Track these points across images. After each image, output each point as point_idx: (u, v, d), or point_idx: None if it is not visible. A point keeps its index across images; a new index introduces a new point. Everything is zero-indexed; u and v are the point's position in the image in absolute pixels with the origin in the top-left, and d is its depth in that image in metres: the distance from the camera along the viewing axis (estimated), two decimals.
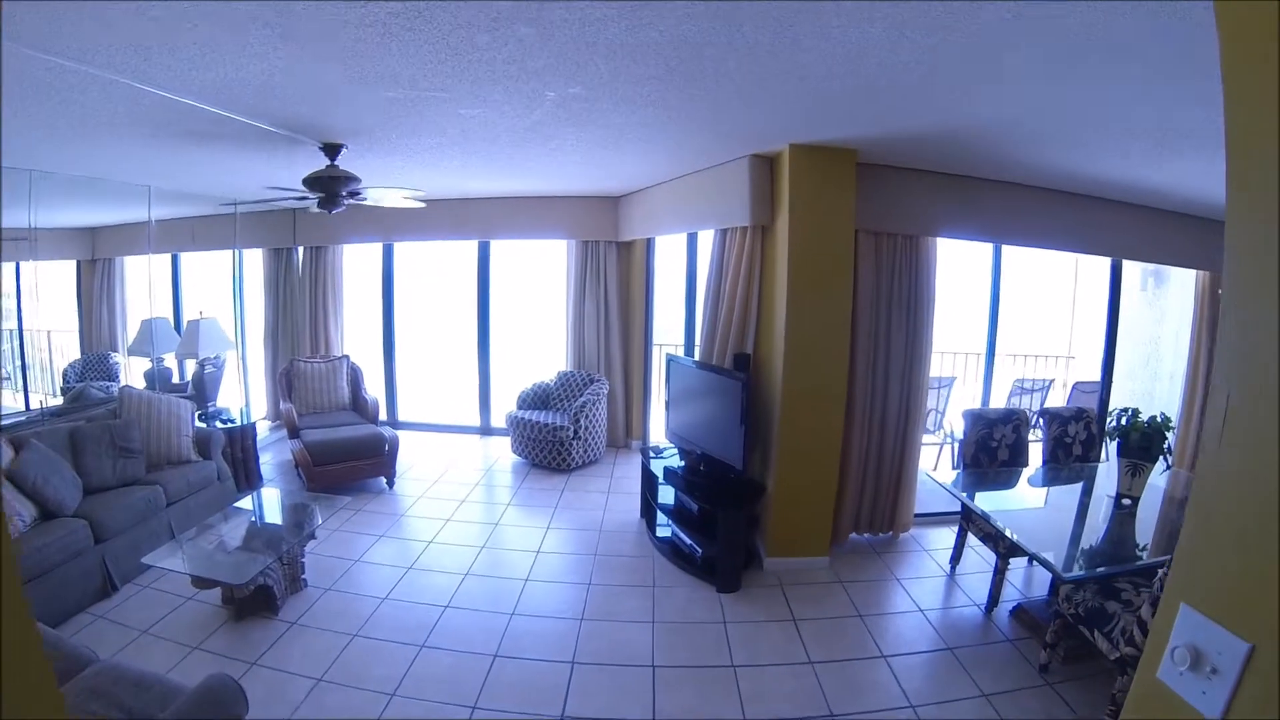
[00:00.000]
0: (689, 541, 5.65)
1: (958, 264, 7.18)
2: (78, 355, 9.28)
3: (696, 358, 6.50)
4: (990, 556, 5.14)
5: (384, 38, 2.72)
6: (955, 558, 5.58)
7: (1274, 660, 1.05)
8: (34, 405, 7.62)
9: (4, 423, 6.82)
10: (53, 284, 9.83)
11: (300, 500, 6.26)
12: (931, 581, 5.41)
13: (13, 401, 8.78)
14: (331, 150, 4.83)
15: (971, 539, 5.44)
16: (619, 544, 6.07)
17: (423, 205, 5.97)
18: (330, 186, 4.88)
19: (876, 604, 5.06)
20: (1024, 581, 5.37)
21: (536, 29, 2.62)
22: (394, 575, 5.50)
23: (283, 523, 5.73)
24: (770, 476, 5.46)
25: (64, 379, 9.03)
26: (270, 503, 6.27)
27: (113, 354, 9.06)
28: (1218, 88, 1.12)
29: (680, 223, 7.02)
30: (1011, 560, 4.89)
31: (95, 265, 9.27)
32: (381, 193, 5.27)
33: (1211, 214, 6.20)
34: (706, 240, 6.63)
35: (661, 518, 6.11)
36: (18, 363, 8.97)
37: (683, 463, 6.12)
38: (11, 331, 9.13)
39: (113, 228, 9.17)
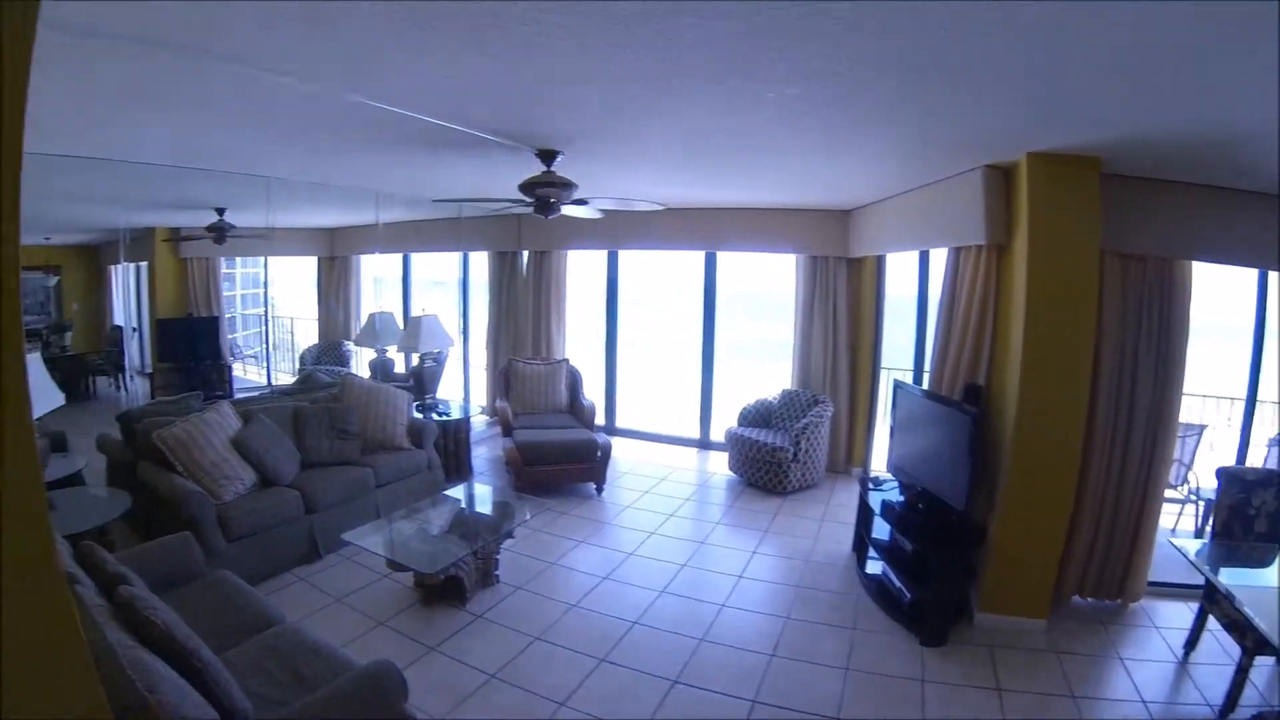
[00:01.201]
0: (898, 584, 5.26)
1: (1215, 293, 6.28)
2: (316, 341, 10.01)
3: (925, 385, 6.13)
4: (1233, 648, 4.38)
5: (586, 35, 2.58)
6: (1190, 642, 4.83)
7: None
8: (276, 383, 8.28)
9: (236, 396, 7.37)
10: (298, 277, 10.69)
11: (504, 498, 6.35)
12: (1159, 667, 4.70)
13: (257, 377, 9.58)
14: (547, 156, 4.81)
15: (1212, 622, 4.70)
16: (825, 578, 5.75)
17: (657, 208, 5.88)
18: (546, 193, 4.89)
19: (1093, 685, 4.45)
20: (1267, 683, 4.54)
21: (746, 24, 2.41)
22: (588, 583, 5.44)
23: (483, 518, 5.78)
24: (992, 522, 5.00)
25: (300, 362, 9.75)
26: (474, 496, 6.37)
27: (345, 342, 9.68)
28: None
29: (911, 240, 6.66)
30: (1258, 658, 4.15)
31: (333, 262, 9.99)
32: (598, 199, 5.23)
33: None
34: (939, 260, 6.25)
35: (873, 553, 5.76)
36: (262, 346, 9.83)
37: (902, 497, 5.74)
38: (260, 317, 10.03)
39: (348, 229, 9.86)
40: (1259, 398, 6.16)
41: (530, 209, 5.09)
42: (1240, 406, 6.58)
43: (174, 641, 2.55)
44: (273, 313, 10.23)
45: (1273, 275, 5.67)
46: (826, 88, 3.14)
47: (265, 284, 9.92)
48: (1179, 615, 5.21)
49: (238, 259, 9.90)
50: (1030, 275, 4.57)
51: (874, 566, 5.73)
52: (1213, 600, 4.55)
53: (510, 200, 5.12)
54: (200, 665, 2.53)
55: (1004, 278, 4.99)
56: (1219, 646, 4.75)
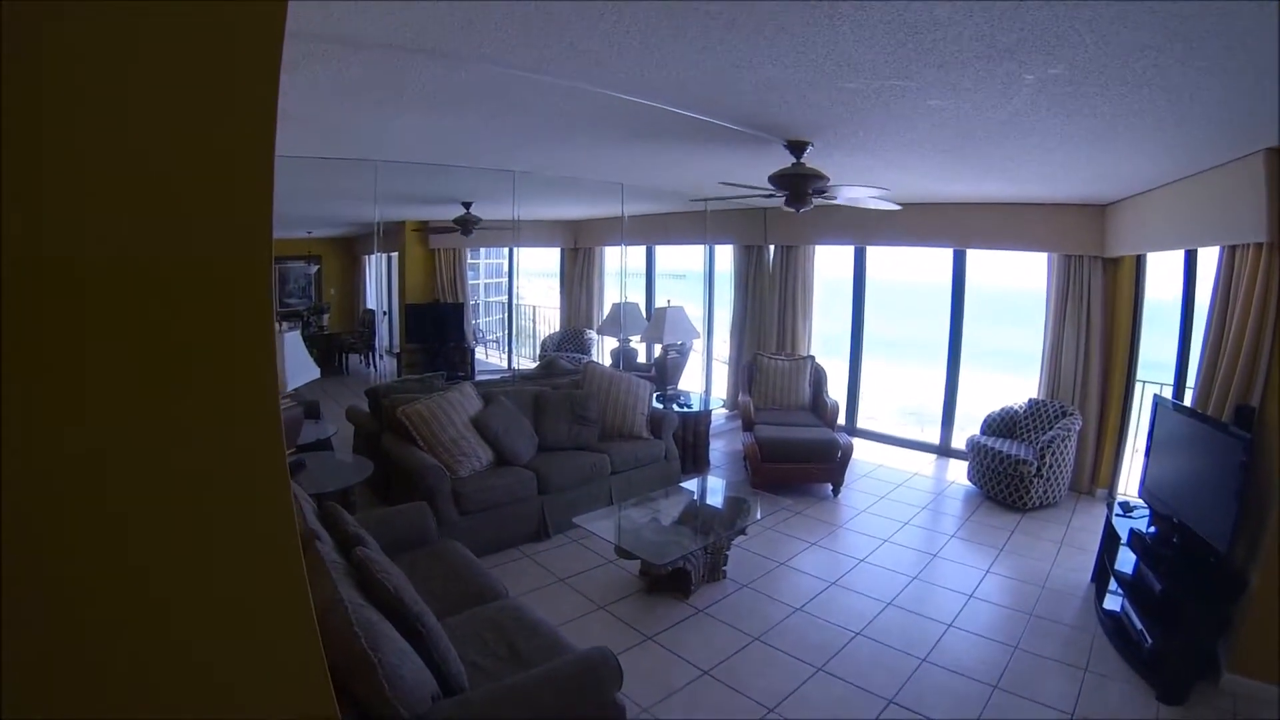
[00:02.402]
0: (1139, 626, 4.76)
1: None
2: (558, 329, 10.41)
3: (1187, 403, 5.52)
4: None
5: (832, 19, 2.48)
6: None
7: None
8: (517, 368, 8.69)
9: (477, 378, 7.78)
10: (539, 268, 11.17)
11: (739, 494, 6.35)
12: None
13: (498, 361, 10.13)
14: (797, 148, 4.71)
15: None
16: (1059, 608, 5.34)
17: (897, 208, 5.69)
18: (796, 184, 4.81)
19: None
20: None
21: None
22: (815, 587, 5.33)
23: (716, 512, 5.80)
24: (1256, 568, 4.35)
25: (542, 348, 10.20)
26: (710, 491, 6.39)
27: (587, 330, 10.00)
28: None
29: (1175, 237, 6.01)
30: None
31: (576, 253, 10.37)
32: (851, 191, 5.09)
33: None
34: (1208, 260, 5.61)
35: (1114, 587, 5.29)
36: (504, 332, 10.37)
37: (1153, 528, 5.22)
38: (502, 304, 10.59)
39: (592, 220, 10.16)
40: None
41: (780, 201, 5.03)
42: None
43: (401, 605, 2.69)
44: (516, 300, 10.72)
45: None
46: (1090, 66, 2.88)
47: (511, 273, 10.39)
48: None
49: (482, 249, 10.50)
50: None
51: (1113, 602, 5.25)
52: None
53: (760, 191, 5.06)
54: (423, 630, 2.66)
55: None
56: None
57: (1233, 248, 4.80)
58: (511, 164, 6.48)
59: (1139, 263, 7.49)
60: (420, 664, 2.53)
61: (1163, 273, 7.41)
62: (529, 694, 2.71)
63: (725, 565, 5.30)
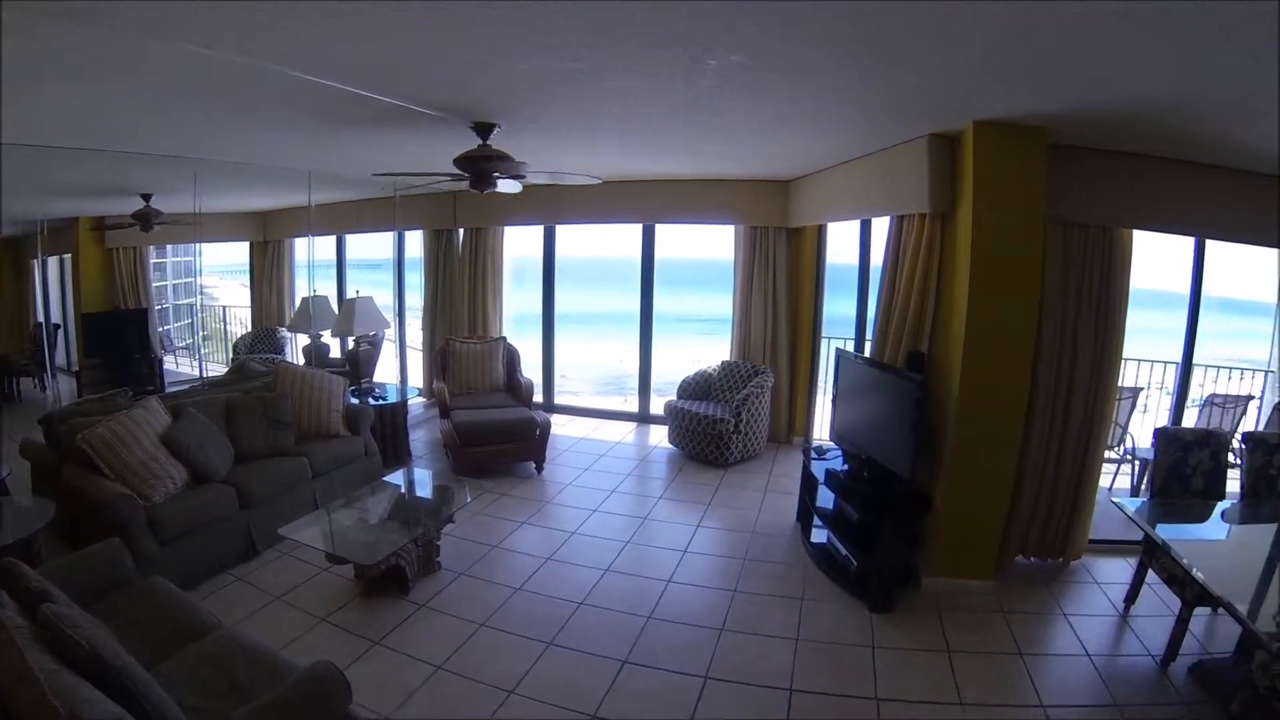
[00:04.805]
0: (845, 552, 5.31)
1: (1152, 260, 6.37)
2: (250, 329, 9.74)
3: (867, 354, 6.11)
4: (1172, 600, 4.49)
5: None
6: (1130, 596, 4.95)
7: None
8: (210, 375, 8.04)
9: (167, 390, 7.14)
10: (235, 262, 10.39)
11: (444, 482, 6.28)
12: (1102, 621, 4.82)
13: (191, 370, 9.31)
14: (484, 130, 4.68)
15: (1151, 576, 4.80)
16: (771, 548, 5.76)
17: (596, 181, 5.78)
18: (481, 166, 4.77)
19: (1039, 641, 4.55)
20: (1206, 632, 4.67)
21: None
22: (532, 565, 5.37)
23: (423, 503, 5.70)
24: (938, 488, 5.04)
25: (234, 351, 9.48)
26: (412, 482, 6.29)
27: (280, 329, 9.43)
28: None
29: (853, 209, 6.65)
30: (1196, 609, 4.26)
31: (266, 246, 9.71)
32: (534, 173, 5.12)
33: None
34: (880, 229, 6.24)
35: (818, 523, 5.80)
36: (194, 337, 9.54)
37: (846, 466, 5.75)
38: (191, 307, 9.71)
39: (280, 211, 9.57)
40: (1193, 361, 6.34)
41: (465, 184, 4.98)
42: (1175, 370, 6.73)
43: (100, 662, 2.42)
44: (205, 302, 9.92)
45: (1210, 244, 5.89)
46: (770, 55, 3.07)
47: (196, 272, 9.57)
48: (1119, 571, 5.36)
49: (170, 246, 9.57)
50: (975, 243, 4.57)
51: (819, 535, 5.78)
52: (1152, 555, 4.69)
53: (445, 174, 4.98)
54: (130, 684, 2.41)
55: (948, 245, 4.99)
56: (1158, 599, 4.88)
57: (901, 217, 5.41)
58: (193, 150, 5.99)
59: (820, 232, 8.23)
60: None
61: (841, 241, 8.16)
62: None
63: (439, 556, 5.23)
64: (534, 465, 7.54)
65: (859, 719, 3.74)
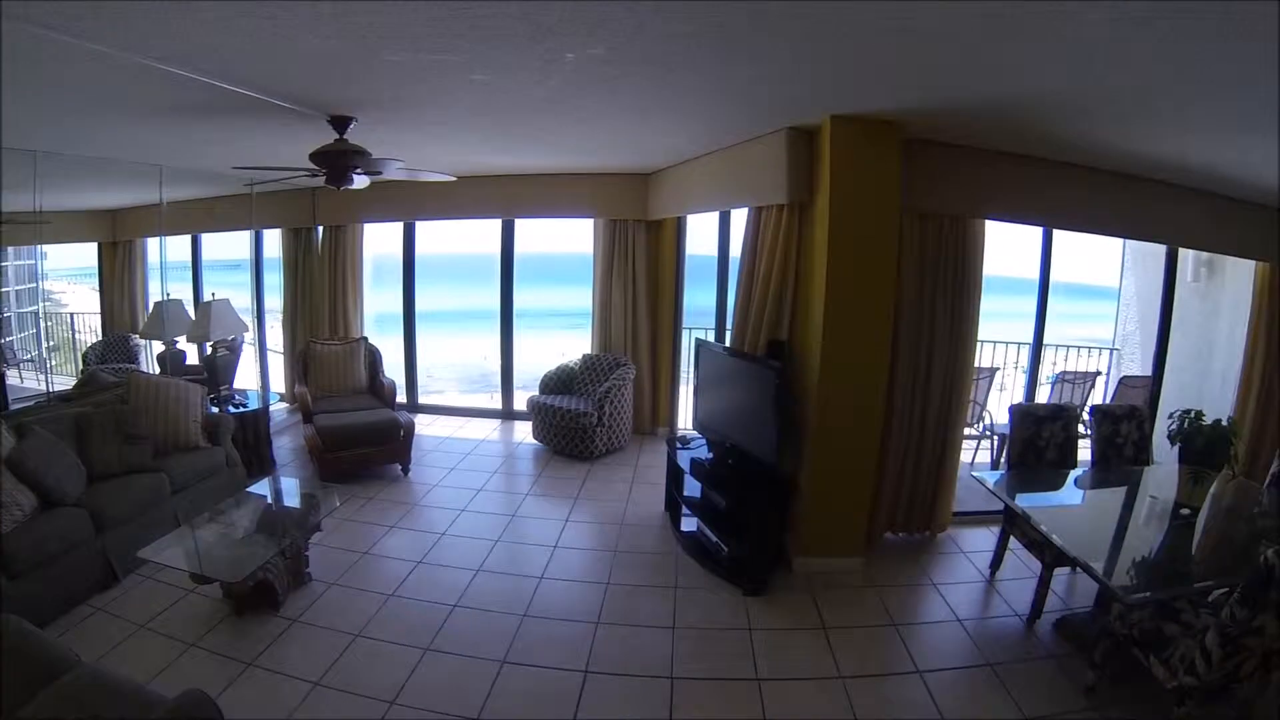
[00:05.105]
0: (715, 539, 5.39)
1: (1004, 249, 6.76)
2: (101, 337, 9.16)
3: (728, 343, 6.20)
4: (1033, 563, 4.79)
5: None
6: (995, 563, 5.25)
7: None
8: (59, 387, 7.50)
9: (12, 408, 6.64)
10: (83, 265, 9.75)
11: (306, 490, 6.12)
12: (970, 588, 5.10)
13: (37, 384, 8.66)
14: (340, 123, 4.58)
15: (1013, 543, 5.08)
16: (641, 539, 5.82)
17: (451, 178, 5.69)
18: (338, 161, 4.64)
19: (911, 611, 4.78)
20: (1067, 589, 5.01)
21: None
22: (403, 570, 5.28)
23: (289, 513, 5.54)
24: (804, 471, 5.17)
25: (84, 361, 8.90)
26: (275, 492, 6.10)
27: (133, 336, 8.93)
28: None
29: (712, 200, 6.73)
30: (1056, 569, 4.58)
31: (116, 247, 9.15)
32: (395, 167, 4.99)
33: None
34: (740, 220, 6.35)
35: (686, 511, 5.86)
36: (39, 348, 8.86)
37: (711, 454, 5.84)
38: (35, 314, 9.04)
39: (132, 209, 9.03)
40: (1044, 341, 6.72)
41: (322, 180, 4.87)
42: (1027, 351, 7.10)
43: None
44: (51, 309, 9.32)
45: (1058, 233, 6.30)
46: (628, 49, 3.08)
47: (38, 276, 8.97)
48: (983, 540, 5.67)
49: (9, 249, 8.92)
50: (832, 233, 4.71)
51: (689, 524, 5.85)
52: (1012, 523, 4.99)
53: (303, 170, 4.83)
54: None
55: (806, 236, 5.13)
56: (1020, 563, 5.20)
57: (760, 209, 5.51)
58: (32, 142, 5.60)
59: (679, 224, 8.30)
60: None
61: (701, 234, 8.29)
62: None
63: (308, 567, 5.08)
64: (400, 467, 7.41)
65: (742, 701, 3.81)
